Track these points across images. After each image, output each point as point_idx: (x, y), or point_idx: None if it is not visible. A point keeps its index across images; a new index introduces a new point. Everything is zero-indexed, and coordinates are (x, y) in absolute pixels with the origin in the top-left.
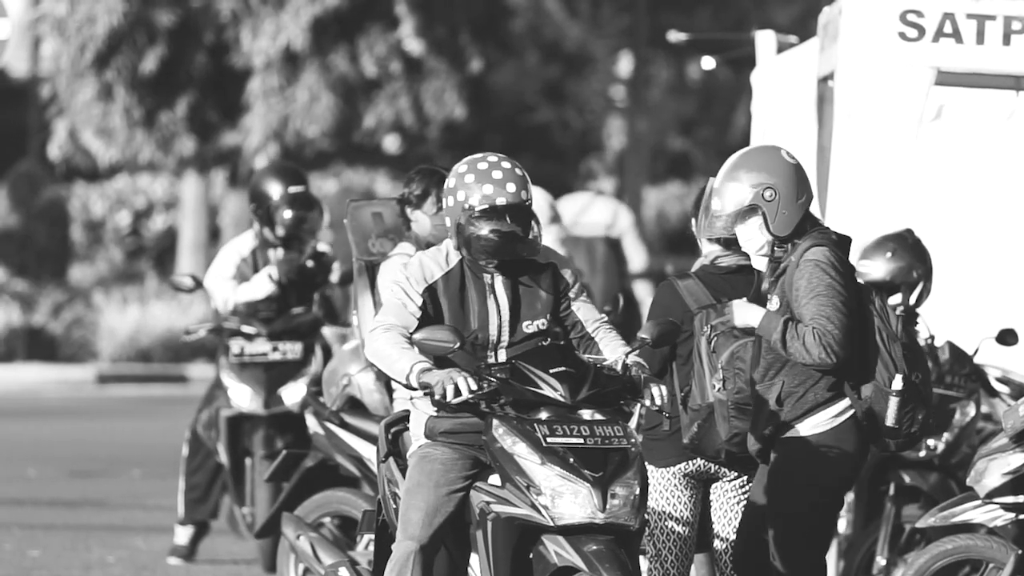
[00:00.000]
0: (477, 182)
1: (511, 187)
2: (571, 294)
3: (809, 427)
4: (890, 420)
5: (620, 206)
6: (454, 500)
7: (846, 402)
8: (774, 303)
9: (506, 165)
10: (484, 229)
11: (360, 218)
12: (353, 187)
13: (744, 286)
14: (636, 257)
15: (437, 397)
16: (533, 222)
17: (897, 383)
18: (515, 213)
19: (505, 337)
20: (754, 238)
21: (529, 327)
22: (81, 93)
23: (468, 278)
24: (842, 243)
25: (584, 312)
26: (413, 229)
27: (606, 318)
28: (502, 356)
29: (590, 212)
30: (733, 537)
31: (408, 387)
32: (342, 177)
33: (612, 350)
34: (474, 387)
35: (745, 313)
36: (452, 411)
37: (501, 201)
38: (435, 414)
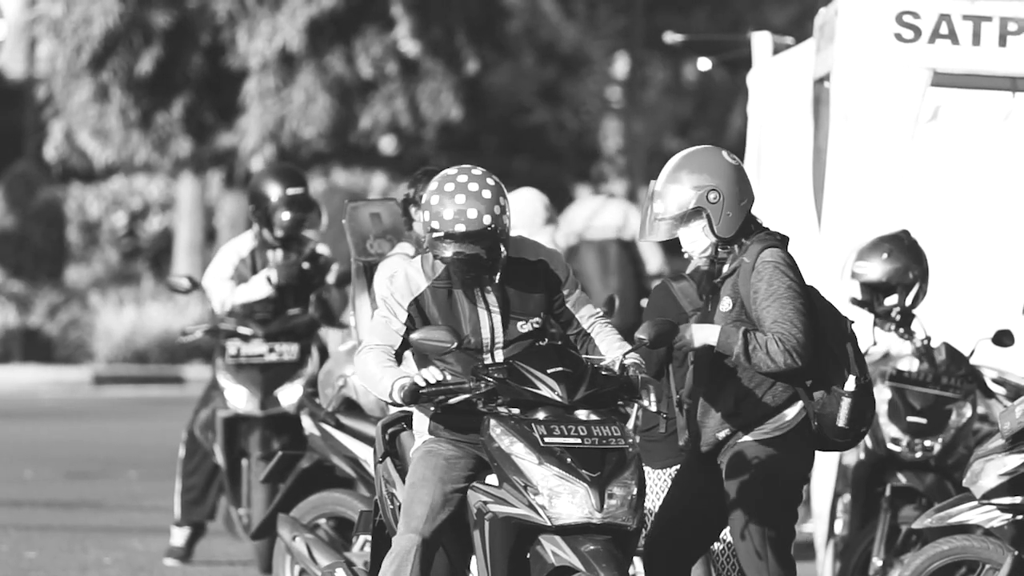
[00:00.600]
0: (440, 205)
1: (472, 213)
2: (564, 290)
3: (770, 429)
4: (842, 421)
5: (631, 208)
6: (457, 498)
7: (800, 403)
8: (725, 304)
9: (473, 188)
10: (447, 252)
11: (358, 219)
12: (339, 186)
13: None
14: (653, 258)
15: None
16: (501, 241)
17: (850, 384)
18: (477, 238)
19: (500, 338)
20: (697, 241)
21: (523, 327)
22: (77, 94)
23: (456, 284)
24: (785, 243)
25: (579, 308)
26: (415, 229)
27: (602, 313)
28: (499, 357)
29: (602, 215)
30: (730, 538)
31: (395, 404)
32: (329, 177)
33: (610, 349)
34: (439, 376)
35: (702, 333)
36: (451, 414)
37: (460, 228)
38: (438, 412)
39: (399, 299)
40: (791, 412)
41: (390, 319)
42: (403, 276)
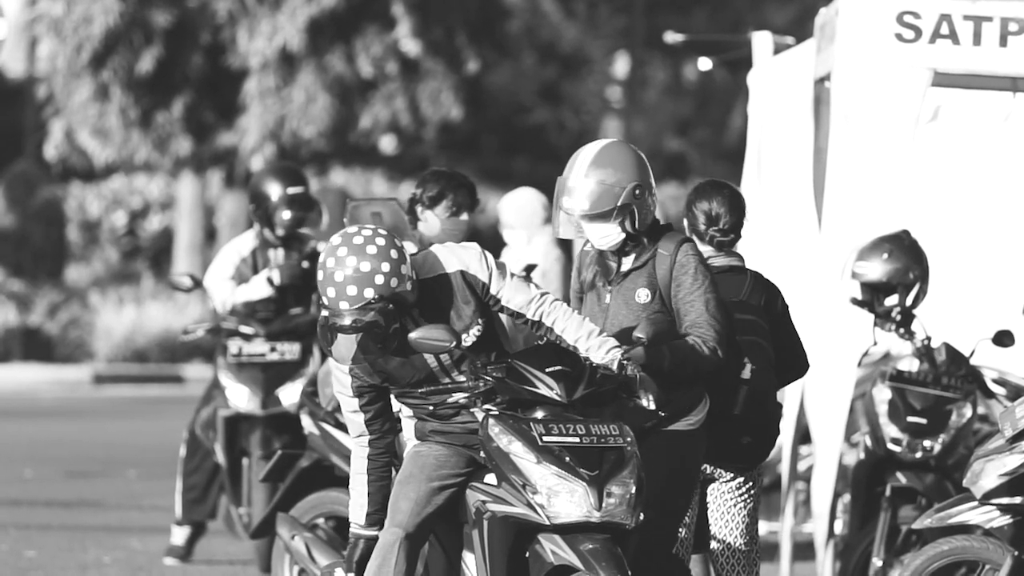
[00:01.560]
0: (325, 282)
1: (352, 291)
2: (492, 289)
3: (693, 421)
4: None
5: None
6: (445, 495)
7: (707, 399)
8: (643, 295)
9: (351, 262)
10: (345, 321)
11: (359, 218)
12: (331, 185)
13: (735, 287)
14: None
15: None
16: (394, 300)
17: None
18: (364, 310)
19: (447, 359)
20: (610, 235)
21: (465, 339)
22: (77, 93)
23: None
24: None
25: (517, 298)
26: (420, 229)
27: (542, 292)
28: (457, 377)
29: None
30: (730, 539)
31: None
32: (327, 176)
33: (580, 338)
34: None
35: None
36: None
37: (344, 306)
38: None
39: (348, 373)
40: (703, 404)
41: (352, 410)
42: (332, 366)
